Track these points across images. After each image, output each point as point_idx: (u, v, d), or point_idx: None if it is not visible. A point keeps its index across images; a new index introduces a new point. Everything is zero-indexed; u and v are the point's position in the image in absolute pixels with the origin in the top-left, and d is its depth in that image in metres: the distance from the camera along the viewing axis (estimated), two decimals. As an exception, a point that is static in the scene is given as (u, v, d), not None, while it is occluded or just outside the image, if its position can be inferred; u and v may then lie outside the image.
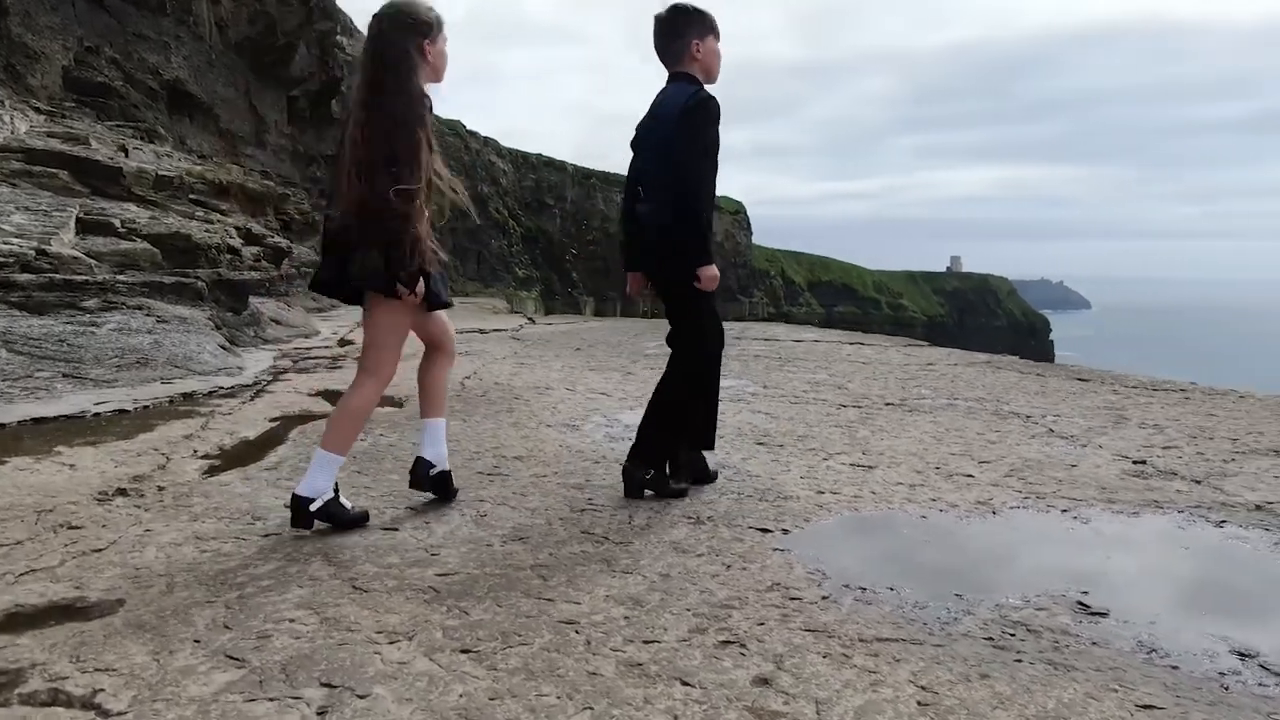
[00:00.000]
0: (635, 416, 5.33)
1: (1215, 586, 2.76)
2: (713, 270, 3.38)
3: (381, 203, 2.77)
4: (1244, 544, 3.11)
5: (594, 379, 6.88)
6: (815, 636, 2.23)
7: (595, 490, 3.61)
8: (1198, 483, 3.88)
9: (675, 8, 3.49)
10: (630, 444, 4.57)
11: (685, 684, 1.96)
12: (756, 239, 49.45)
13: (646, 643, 2.16)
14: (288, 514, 3.15)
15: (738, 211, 47.92)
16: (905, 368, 7.88)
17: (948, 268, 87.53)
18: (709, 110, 3.33)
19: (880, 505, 3.48)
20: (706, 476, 3.70)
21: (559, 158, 40.93)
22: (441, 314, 3.23)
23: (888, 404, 5.90)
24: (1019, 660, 2.15)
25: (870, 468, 4.09)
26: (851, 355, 8.83)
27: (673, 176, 3.32)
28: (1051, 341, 77.70)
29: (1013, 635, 2.31)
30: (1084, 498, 3.61)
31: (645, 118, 3.55)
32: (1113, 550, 3.04)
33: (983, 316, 77.61)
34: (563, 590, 2.48)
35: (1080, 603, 2.53)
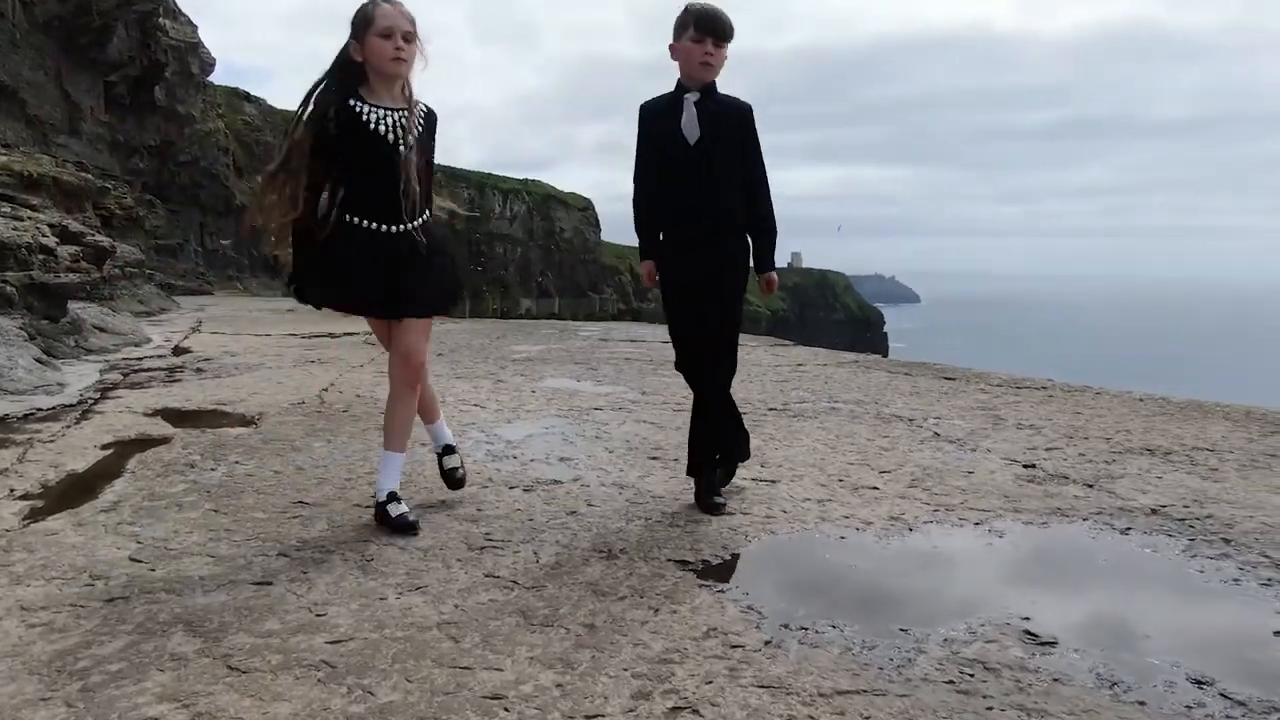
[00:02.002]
0: (515, 431, 5.02)
1: (1144, 603, 2.71)
2: (645, 266, 3.67)
3: None
4: (1154, 552, 3.11)
5: (463, 388, 6.49)
6: (772, 695, 2.01)
7: (490, 522, 3.28)
8: (1090, 486, 3.91)
9: None
10: (514, 462, 4.28)
11: (646, 771, 1.69)
12: (605, 236, 49.39)
13: (590, 718, 1.88)
14: (135, 569, 2.69)
15: (586, 208, 47.74)
16: (777, 369, 7.85)
17: (789, 264, 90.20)
18: None
19: (795, 526, 3.31)
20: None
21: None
22: (406, 326, 3.12)
23: (771, 409, 5.80)
24: (990, 708, 1.99)
25: (773, 482, 3.94)
26: (722, 357, 8.75)
27: None
28: (885, 334, 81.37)
29: (972, 676, 2.16)
30: (991, 508, 3.56)
31: None
32: (1036, 567, 2.97)
33: (822, 311, 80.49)
34: (480, 654, 2.17)
35: (1027, 631, 2.42)
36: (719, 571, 2.84)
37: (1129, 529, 3.34)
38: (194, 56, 22.02)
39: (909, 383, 7.11)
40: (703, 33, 3.34)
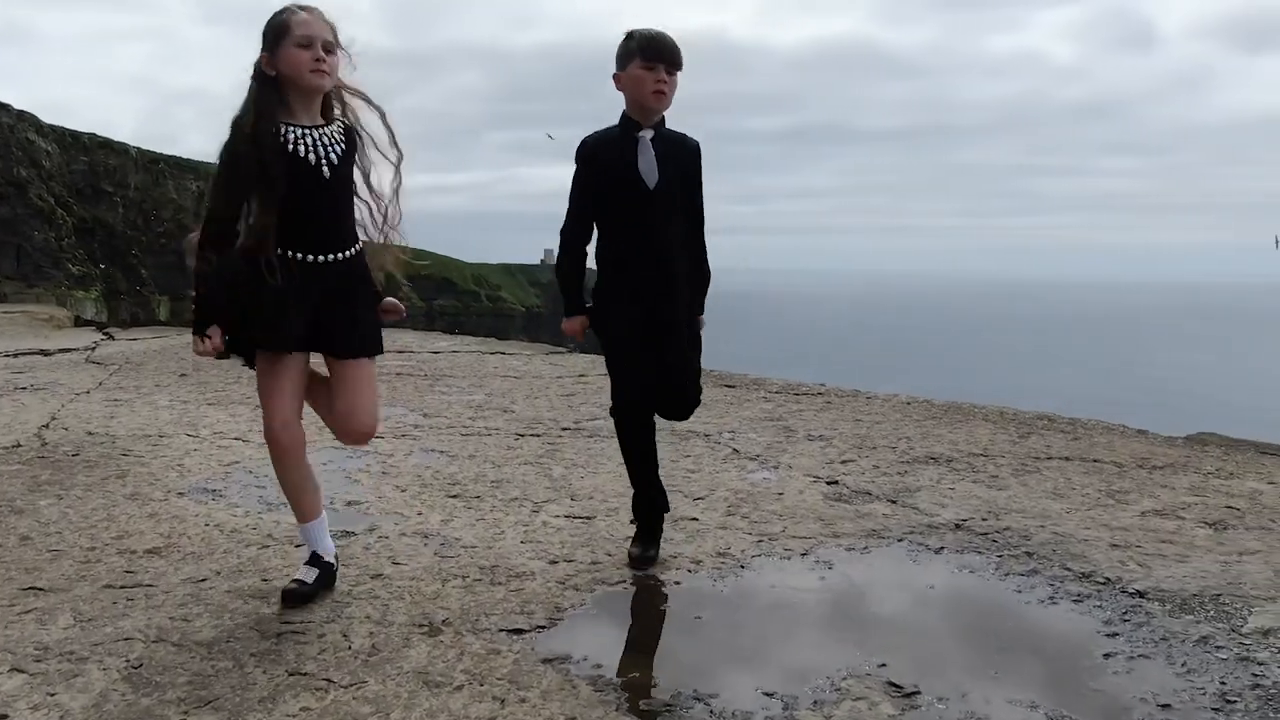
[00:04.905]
0: (289, 469, 4.47)
1: (980, 633, 2.73)
2: (568, 324, 3.30)
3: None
4: (972, 574, 3.18)
5: (219, 418, 5.77)
6: (660, 804, 1.78)
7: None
8: (894, 502, 3.99)
9: None
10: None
11: None
12: (353, 232, 47.25)
13: None
14: None
15: (331, 203, 45.52)
16: (560, 381, 7.64)
17: (541, 260, 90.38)
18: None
19: (625, 573, 3.11)
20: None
21: (118, 139, 35.65)
22: (350, 373, 2.90)
23: (565, 429, 5.57)
24: (885, 788, 1.87)
25: (589, 519, 3.72)
26: (499, 368, 8.42)
27: None
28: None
29: (853, 746, 2.04)
30: (812, 535, 3.53)
31: None
32: (870, 600, 2.95)
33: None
34: (305, 793, 1.78)
35: (890, 682, 2.34)
36: (556, 639, 2.58)
37: (941, 548, 3.41)
38: None
39: (693, 392, 7.12)
40: (652, 60, 3.10)
